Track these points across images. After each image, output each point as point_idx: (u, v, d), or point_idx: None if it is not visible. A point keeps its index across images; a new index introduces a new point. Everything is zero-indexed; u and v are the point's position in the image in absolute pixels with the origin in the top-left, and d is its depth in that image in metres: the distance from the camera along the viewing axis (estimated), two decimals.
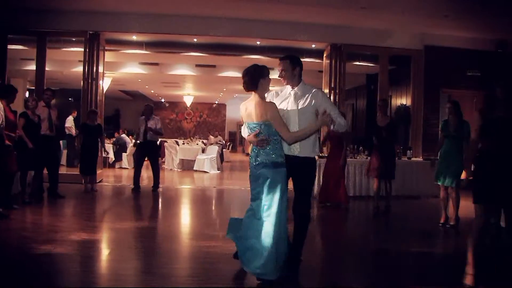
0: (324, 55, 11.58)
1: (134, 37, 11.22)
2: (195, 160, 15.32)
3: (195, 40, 11.40)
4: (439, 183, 6.95)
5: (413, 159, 10.65)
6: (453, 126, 6.73)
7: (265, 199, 4.03)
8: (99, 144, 9.48)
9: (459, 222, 6.82)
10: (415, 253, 5.55)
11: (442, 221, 6.96)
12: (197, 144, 17.63)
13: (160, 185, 10.03)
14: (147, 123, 9.52)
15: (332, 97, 11.02)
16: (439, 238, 6.66)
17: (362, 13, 9.65)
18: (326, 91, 11.30)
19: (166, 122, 27.15)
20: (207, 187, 11.43)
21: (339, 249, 5.82)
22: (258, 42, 11.66)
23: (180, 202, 9.43)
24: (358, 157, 10.27)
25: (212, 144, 18.83)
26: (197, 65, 14.73)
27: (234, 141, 29.13)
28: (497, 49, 11.47)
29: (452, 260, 5.30)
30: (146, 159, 10.00)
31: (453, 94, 11.64)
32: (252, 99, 4.12)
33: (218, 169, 15.38)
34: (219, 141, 20.85)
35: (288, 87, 4.37)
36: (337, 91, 11.07)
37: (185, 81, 18.23)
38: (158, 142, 10.46)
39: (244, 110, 4.18)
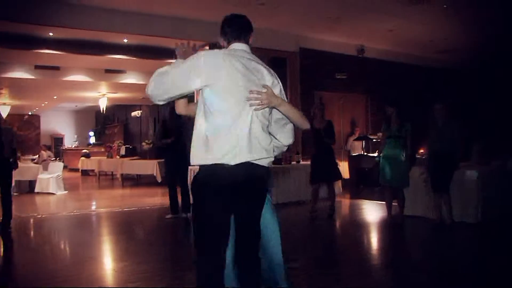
0: None
1: None
2: (35, 181, 12.79)
3: (50, 34, 9.31)
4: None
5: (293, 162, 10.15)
6: (395, 127, 6.68)
7: None
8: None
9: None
10: None
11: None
12: (32, 161, 14.89)
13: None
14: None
15: None
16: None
17: (256, 10, 9.02)
18: None
19: None
20: (84, 212, 9.31)
21: None
22: (125, 40, 10.17)
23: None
24: None
25: (44, 160, 16.16)
26: (37, 67, 12.24)
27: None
28: (357, 54, 12.22)
29: None
30: None
31: (323, 96, 11.93)
32: None
33: (65, 189, 13.10)
34: (49, 156, 18.01)
35: None
36: None
37: (13, 86, 14.96)
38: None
39: None
